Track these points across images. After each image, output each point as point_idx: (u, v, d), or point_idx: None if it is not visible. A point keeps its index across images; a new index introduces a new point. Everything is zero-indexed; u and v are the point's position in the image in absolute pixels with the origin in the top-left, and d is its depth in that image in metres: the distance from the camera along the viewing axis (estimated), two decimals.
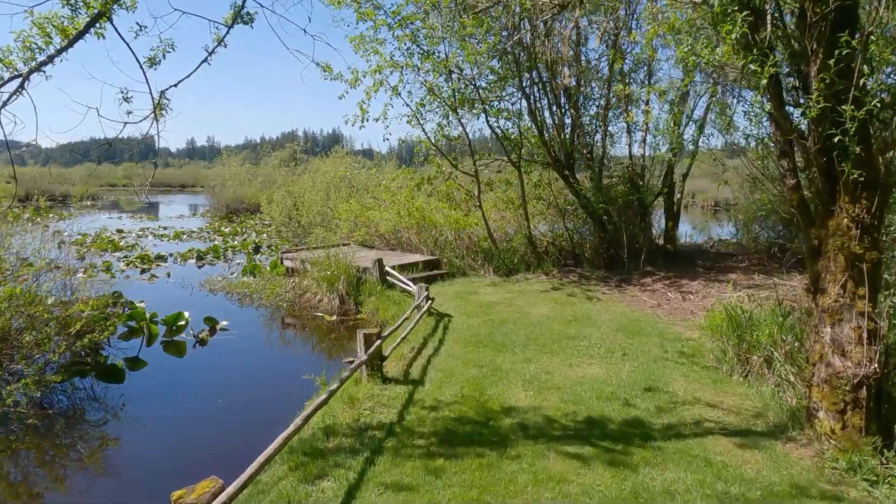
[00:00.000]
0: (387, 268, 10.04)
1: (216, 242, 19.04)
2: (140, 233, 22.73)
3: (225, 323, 9.09)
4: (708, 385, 5.68)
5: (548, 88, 12.47)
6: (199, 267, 15.34)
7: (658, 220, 14.24)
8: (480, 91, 12.22)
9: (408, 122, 11.62)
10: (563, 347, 6.76)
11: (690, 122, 12.99)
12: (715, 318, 7.21)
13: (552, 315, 8.34)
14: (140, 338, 8.51)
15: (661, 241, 13.71)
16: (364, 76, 11.09)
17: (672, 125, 12.81)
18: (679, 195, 13.24)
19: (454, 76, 11.97)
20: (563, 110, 12.64)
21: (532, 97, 12.25)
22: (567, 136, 12.63)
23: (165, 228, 24.87)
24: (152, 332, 8.51)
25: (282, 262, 12.21)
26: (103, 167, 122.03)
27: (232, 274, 13.51)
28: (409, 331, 6.95)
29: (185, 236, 21.75)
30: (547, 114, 12.79)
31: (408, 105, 11.68)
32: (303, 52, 8.19)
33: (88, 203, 45.81)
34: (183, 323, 8.88)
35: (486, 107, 12.14)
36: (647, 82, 12.71)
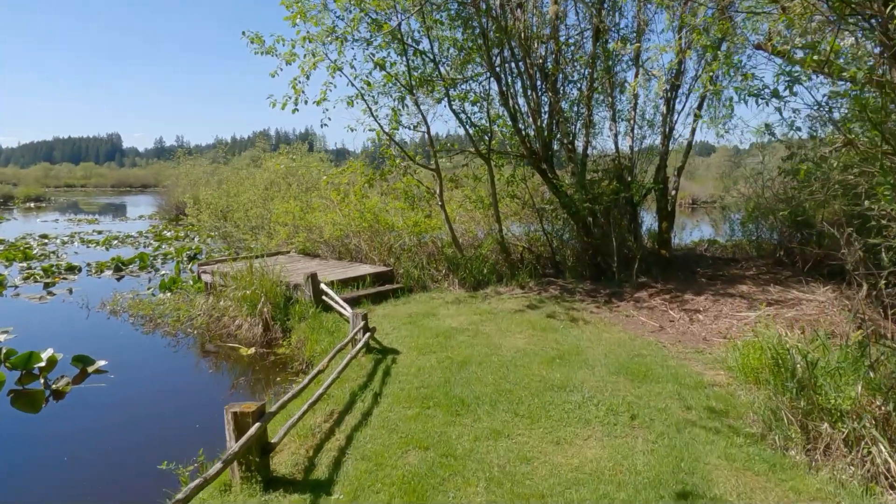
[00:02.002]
0: (322, 285, 7.97)
1: (145, 250, 16.68)
2: (66, 239, 20.18)
3: (102, 363, 6.94)
4: (764, 475, 3.78)
5: (522, 68, 10.56)
6: (118, 279, 13.05)
7: (649, 222, 12.44)
8: (441, 68, 10.24)
9: (349, 103, 9.55)
10: (547, 406, 4.80)
11: (685, 108, 11.23)
12: (748, 356, 5.35)
13: (530, 349, 6.38)
14: None
15: (648, 246, 11.93)
16: (299, 45, 9.02)
17: (666, 110, 11.05)
18: (674, 192, 11.46)
19: (409, 52, 9.97)
20: (539, 93, 10.72)
21: (503, 78, 10.33)
22: (544, 124, 10.73)
23: (100, 233, 22.35)
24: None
25: (199, 277, 10.04)
26: (63, 167, 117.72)
27: (148, 289, 11.29)
28: (332, 382, 4.92)
29: (116, 242, 19.31)
30: (521, 98, 10.89)
31: (353, 85, 9.63)
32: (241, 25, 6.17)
33: (32, 205, 42.48)
34: (43, 365, 6.70)
35: (448, 88, 10.16)
36: (637, 60, 10.87)
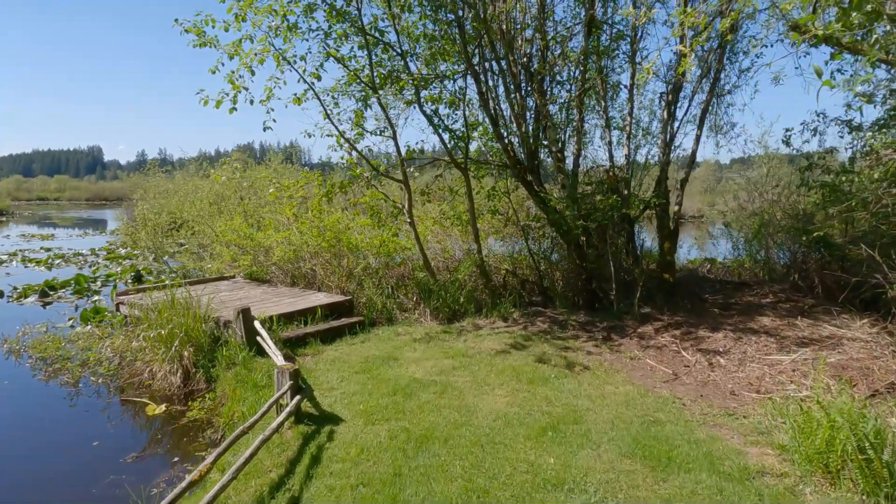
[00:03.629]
0: (257, 323, 6.41)
1: (87, 271, 14.93)
2: (5, 258, 18.32)
3: None
4: None
5: (504, 66, 9.18)
6: (44, 306, 11.35)
7: (648, 242, 11.06)
8: (411, 64, 8.82)
9: (295, 101, 8.05)
10: None
11: (687, 114, 9.94)
12: (809, 433, 3.91)
13: (514, 413, 4.88)
14: None
15: (648, 269, 10.54)
16: (245, 38, 7.55)
17: (666, 115, 9.73)
18: (677, 207, 10.11)
19: (373, 44, 8.55)
20: (524, 95, 9.34)
21: (483, 77, 8.95)
22: (530, 130, 9.34)
23: (48, 250, 20.51)
24: None
25: (117, 309, 8.40)
26: (37, 179, 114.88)
27: (69, 320, 9.63)
28: (231, 479, 3.38)
29: (60, 261, 17.51)
30: (503, 101, 9.51)
31: (304, 81, 8.14)
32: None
33: None
34: None
35: (419, 87, 8.73)
36: (632, 58, 9.56)
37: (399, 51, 8.56)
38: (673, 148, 10.09)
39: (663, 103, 9.97)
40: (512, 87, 9.22)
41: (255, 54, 7.70)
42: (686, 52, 4.35)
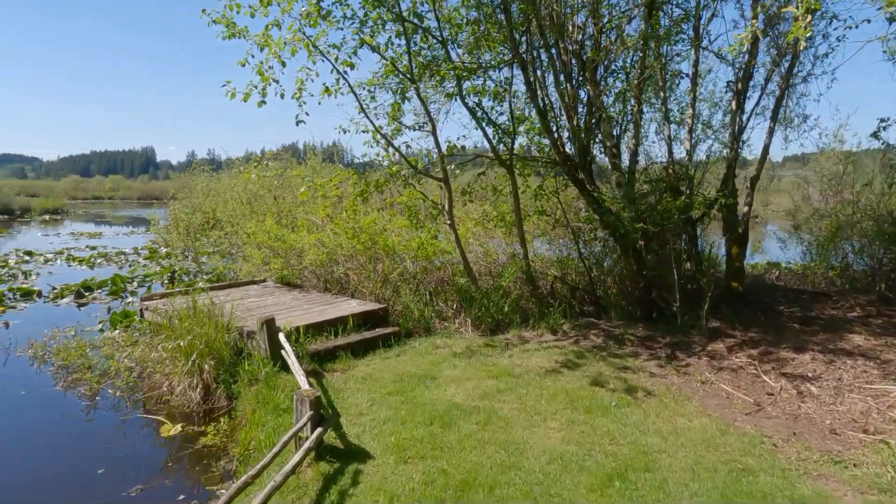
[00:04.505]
0: (281, 335, 5.84)
1: (121, 272, 14.81)
2: (51, 256, 18.53)
3: None
4: None
5: (554, 54, 8.40)
6: (80, 307, 11.16)
7: (707, 245, 10.04)
8: (452, 53, 8.15)
9: (324, 91, 7.47)
10: None
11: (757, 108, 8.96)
12: None
13: (571, 453, 4.14)
14: None
15: (713, 275, 9.54)
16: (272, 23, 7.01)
17: (735, 106, 8.76)
18: (747, 208, 9.09)
19: (412, 31, 7.90)
20: (576, 85, 8.53)
21: (531, 67, 8.19)
22: (581, 123, 8.52)
23: (93, 248, 20.72)
24: None
25: (141, 315, 8.00)
26: (93, 179, 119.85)
27: (99, 324, 9.34)
28: None
29: (102, 261, 17.57)
30: (553, 91, 8.73)
31: (337, 71, 7.55)
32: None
33: (48, 217, 41.64)
34: None
35: (461, 78, 8.03)
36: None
37: (439, 38, 7.89)
38: (742, 143, 9.13)
39: (731, 93, 9.01)
40: (562, 76, 8.43)
41: (286, 43, 7.15)
42: (799, 14, 3.50)
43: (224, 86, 6.96)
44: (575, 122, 8.30)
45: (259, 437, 4.60)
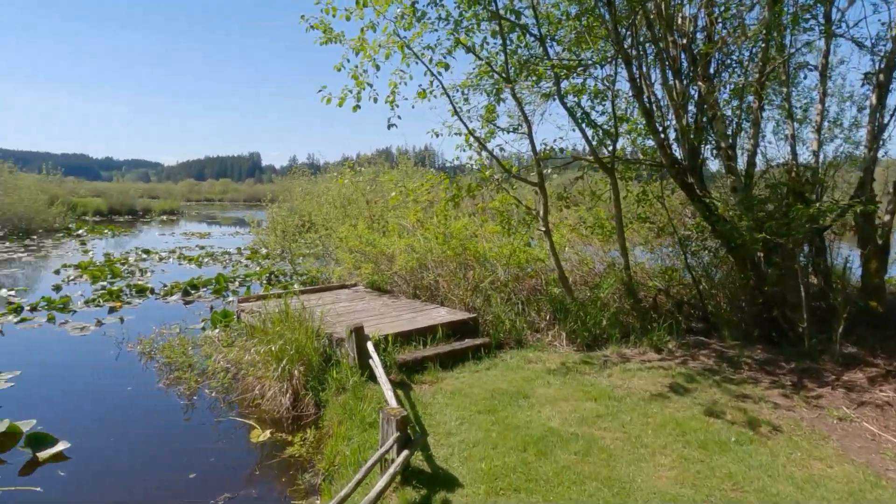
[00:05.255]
0: (369, 344, 5.69)
1: (225, 271, 15.56)
2: (165, 255, 19.91)
3: (62, 447, 5.11)
4: None
5: (661, 47, 7.76)
6: (187, 304, 11.79)
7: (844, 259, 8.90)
8: (550, 50, 7.73)
9: (420, 95, 7.28)
10: None
11: None
12: None
13: (687, 499, 3.62)
14: None
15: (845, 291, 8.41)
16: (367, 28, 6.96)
17: (875, 100, 7.69)
18: (888, 216, 7.95)
19: (507, 29, 7.57)
20: (685, 81, 7.84)
21: (636, 62, 7.62)
22: (691, 123, 7.82)
23: (202, 248, 22.08)
24: None
25: (238, 317, 8.21)
26: (206, 183, 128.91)
27: (201, 322, 9.75)
28: None
29: (209, 260, 18.63)
30: (659, 88, 8.09)
31: (431, 73, 7.37)
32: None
33: (165, 218, 45.19)
34: None
35: (560, 76, 7.60)
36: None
37: (537, 35, 7.51)
38: (881, 142, 8.00)
39: (870, 86, 7.93)
40: (670, 72, 7.77)
41: (381, 46, 7.07)
42: None
43: (320, 91, 6.98)
44: (684, 122, 7.62)
45: (345, 453, 4.44)
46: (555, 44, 8.23)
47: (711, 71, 7.99)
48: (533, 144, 7.76)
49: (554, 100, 8.16)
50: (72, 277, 14.66)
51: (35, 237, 25.95)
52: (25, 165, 40.11)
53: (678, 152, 7.88)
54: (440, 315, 7.34)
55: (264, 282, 13.93)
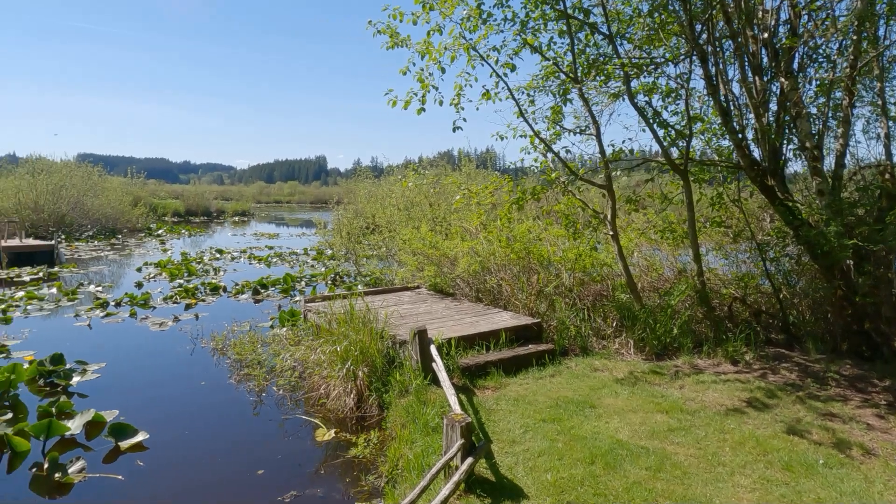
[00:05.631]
0: (432, 347, 5.67)
1: (292, 271, 16.03)
2: (237, 254, 20.75)
3: (141, 438, 5.37)
4: None
5: (740, 42, 7.39)
6: (256, 302, 12.23)
7: None
8: (620, 49, 7.49)
9: (484, 96, 7.22)
10: None
11: None
12: None
13: None
14: (1, 456, 5.07)
15: None
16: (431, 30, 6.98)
17: None
18: None
19: (575, 28, 7.41)
20: (765, 78, 7.42)
21: (712, 58, 7.27)
22: (772, 122, 7.39)
23: (271, 248, 22.87)
24: (16, 448, 5.03)
25: (304, 316, 8.40)
26: (275, 185, 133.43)
27: (270, 320, 10.06)
28: None
29: (277, 259, 19.26)
30: (736, 86, 7.70)
31: (497, 74, 7.30)
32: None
33: (237, 219, 47.15)
34: (72, 434, 5.34)
35: (630, 75, 7.35)
36: None
37: (607, 33, 7.29)
38: None
39: None
40: (749, 69, 7.38)
41: (446, 49, 7.07)
42: None
43: (386, 94, 7.04)
44: (764, 121, 7.22)
45: (408, 457, 4.43)
46: (625, 42, 7.99)
47: (795, 66, 7.53)
48: (601, 146, 7.55)
49: (623, 100, 7.92)
50: (152, 275, 15.51)
51: (120, 236, 27.67)
52: (113, 169, 43.01)
53: (757, 153, 7.48)
54: (503, 319, 7.25)
55: (329, 282, 14.25)
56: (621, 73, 7.41)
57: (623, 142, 8.28)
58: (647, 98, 7.91)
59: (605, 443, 4.42)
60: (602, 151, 7.54)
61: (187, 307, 11.67)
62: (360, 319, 6.37)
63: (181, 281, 14.54)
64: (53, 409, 5.68)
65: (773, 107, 7.58)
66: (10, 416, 5.80)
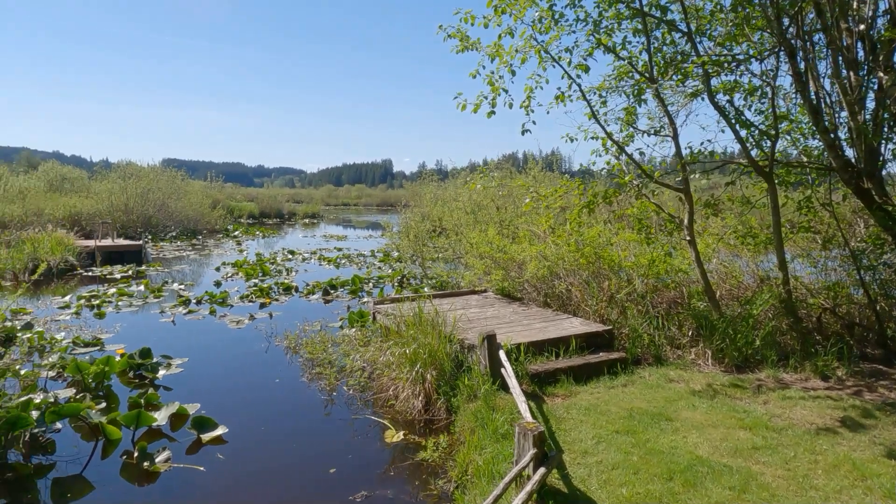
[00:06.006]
0: (502, 353, 5.62)
1: (364, 272, 16.36)
2: (307, 255, 21.41)
3: (221, 432, 5.59)
4: None
5: (833, 35, 6.92)
6: (326, 303, 12.57)
7: None
8: (700, 46, 7.19)
9: (558, 98, 7.09)
10: None
11: None
12: None
13: None
14: (96, 442, 5.43)
15: None
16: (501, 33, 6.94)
17: None
18: None
19: (652, 27, 7.18)
20: (861, 73, 6.91)
21: (800, 53, 6.86)
22: (869, 121, 6.87)
23: (339, 250, 23.47)
24: (109, 436, 5.37)
25: (373, 318, 8.53)
26: (342, 188, 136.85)
27: (340, 321, 10.30)
28: None
29: (346, 261, 19.73)
30: (828, 83, 7.21)
31: (569, 76, 7.16)
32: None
33: (307, 221, 48.69)
34: (158, 425, 5.64)
35: (710, 73, 7.03)
36: None
37: (685, 30, 7.02)
38: None
39: None
40: (842, 63, 6.90)
41: (517, 51, 7.01)
42: None
43: (456, 98, 7.06)
44: (860, 119, 6.71)
45: (477, 463, 4.40)
46: (703, 39, 7.66)
47: (895, 60, 6.98)
48: (678, 147, 7.27)
49: (703, 99, 7.60)
50: (229, 274, 16.25)
51: (200, 237, 29.18)
52: (193, 174, 45.43)
53: (851, 153, 6.99)
54: (573, 326, 7.10)
55: (396, 284, 14.44)
56: (700, 71, 7.11)
57: (701, 143, 7.91)
58: (727, 97, 7.55)
59: (683, 458, 4.22)
60: (679, 153, 7.25)
61: (262, 306, 12.13)
62: (429, 322, 6.40)
63: (256, 280, 15.14)
64: (142, 401, 6.02)
65: (870, 104, 7.06)
66: (103, 405, 6.21)
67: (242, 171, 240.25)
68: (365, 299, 12.60)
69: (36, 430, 5.27)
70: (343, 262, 19.52)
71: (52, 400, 5.67)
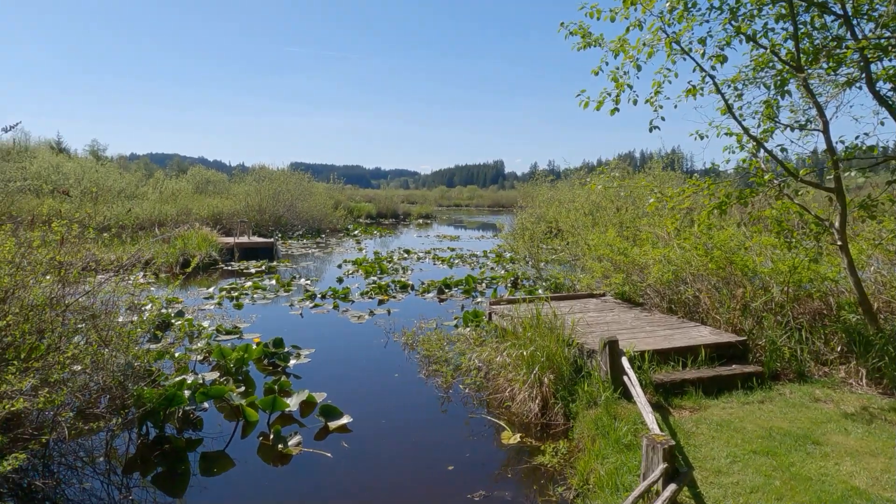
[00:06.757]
0: (624, 359, 5.38)
1: (478, 272, 16.48)
2: (422, 255, 21.97)
3: (346, 421, 5.87)
4: None
5: None
6: (441, 301, 12.82)
7: None
8: (857, 29, 6.44)
9: (689, 92, 6.65)
10: None
11: None
12: None
13: None
14: (237, 422, 5.91)
15: None
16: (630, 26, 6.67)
17: None
18: None
19: (800, 11, 6.54)
20: None
21: None
22: None
23: (452, 250, 23.85)
24: (248, 418, 5.82)
25: (489, 318, 8.52)
26: (455, 189, 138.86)
27: (454, 319, 10.45)
28: None
29: (458, 261, 20.00)
30: None
31: (701, 68, 6.71)
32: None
33: (421, 221, 50.02)
34: (290, 410, 6.02)
35: (868, 56, 6.27)
36: None
37: (840, 12, 6.32)
38: None
39: None
40: None
41: (644, 45, 6.70)
42: None
43: (578, 95, 6.89)
44: None
45: (599, 472, 4.25)
46: (861, 21, 6.86)
47: None
48: (829, 142, 6.56)
49: (861, 87, 6.80)
50: (350, 272, 17.08)
51: (323, 236, 30.98)
52: (317, 176, 48.33)
53: None
54: (702, 335, 6.65)
55: (509, 285, 14.39)
56: (857, 57, 6.37)
57: (857, 137, 7.08)
58: (891, 85, 6.69)
59: (836, 488, 3.80)
60: (830, 148, 6.55)
61: (380, 302, 12.61)
62: (547, 325, 6.29)
63: (374, 278, 15.78)
64: (276, 387, 6.47)
65: None
66: (242, 388, 6.76)
67: (361, 173, 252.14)
68: (478, 299, 12.69)
69: (187, 408, 5.84)
70: (456, 261, 19.80)
71: (200, 381, 6.27)
